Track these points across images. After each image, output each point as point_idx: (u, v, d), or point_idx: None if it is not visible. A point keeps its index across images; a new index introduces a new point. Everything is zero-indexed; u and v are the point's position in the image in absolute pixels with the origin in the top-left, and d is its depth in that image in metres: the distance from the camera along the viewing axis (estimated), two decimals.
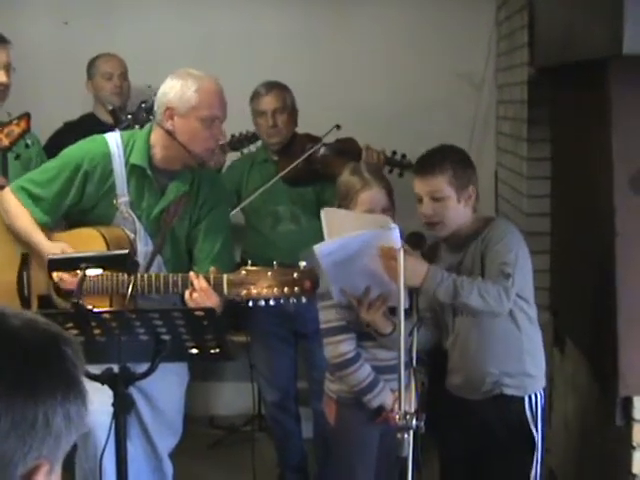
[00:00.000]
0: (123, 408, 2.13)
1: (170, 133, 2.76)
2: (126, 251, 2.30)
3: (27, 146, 3.08)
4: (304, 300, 2.49)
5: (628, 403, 2.87)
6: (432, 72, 4.69)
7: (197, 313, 2.05)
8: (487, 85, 4.72)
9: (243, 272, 2.50)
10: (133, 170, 2.81)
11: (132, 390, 2.87)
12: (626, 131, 2.74)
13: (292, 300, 2.47)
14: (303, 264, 2.49)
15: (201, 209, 2.85)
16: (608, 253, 2.87)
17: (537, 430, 2.81)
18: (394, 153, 4.03)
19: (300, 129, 4.01)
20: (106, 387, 2.69)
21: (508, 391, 2.81)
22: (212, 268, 2.59)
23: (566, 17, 3.20)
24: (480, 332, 2.79)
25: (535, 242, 3.95)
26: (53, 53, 4.70)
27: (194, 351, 2.16)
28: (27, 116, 3.03)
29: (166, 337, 2.10)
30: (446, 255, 2.84)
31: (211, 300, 2.53)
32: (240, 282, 2.48)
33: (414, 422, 2.40)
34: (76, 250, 2.64)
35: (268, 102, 3.84)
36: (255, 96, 3.89)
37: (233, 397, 4.70)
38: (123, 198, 2.79)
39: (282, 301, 2.47)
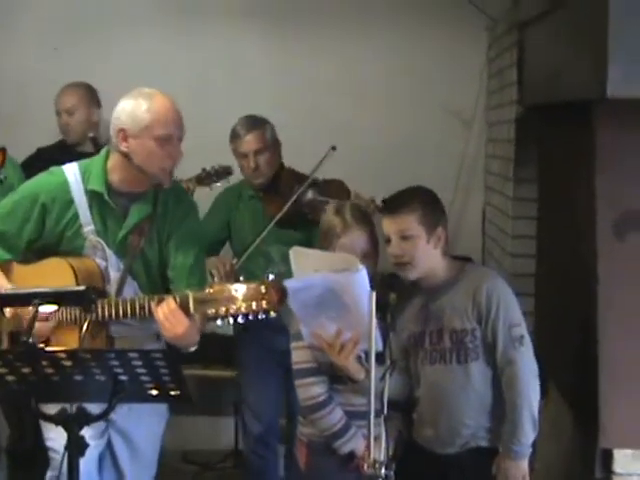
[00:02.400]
0: (77, 450, 2.03)
1: (125, 155, 2.69)
2: (82, 287, 2.22)
3: (0, 181, 3.01)
4: (273, 314, 2.41)
5: (608, 456, 2.78)
6: (422, 108, 4.65)
7: (154, 354, 1.97)
8: (477, 122, 4.68)
9: (209, 289, 2.42)
10: (93, 197, 2.74)
11: (110, 431, 2.84)
12: (610, 175, 2.67)
13: (261, 315, 2.39)
14: (271, 277, 2.41)
15: (170, 227, 2.78)
16: (590, 300, 2.79)
17: None
18: (384, 202, 3.96)
19: (286, 159, 3.96)
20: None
21: (484, 444, 2.72)
22: (188, 291, 2.52)
23: (554, 56, 3.15)
24: (456, 382, 2.71)
25: (520, 284, 3.87)
26: (43, 78, 4.64)
27: (154, 392, 2.07)
28: (1, 150, 2.96)
29: (124, 377, 2.01)
30: (418, 299, 2.76)
31: (181, 323, 2.46)
32: (206, 300, 2.41)
33: (383, 471, 2.33)
34: (43, 282, 2.57)
35: (248, 144, 3.75)
36: (234, 137, 3.80)
37: (209, 432, 4.61)
38: (89, 227, 2.73)
39: (251, 317, 2.39)
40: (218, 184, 3.93)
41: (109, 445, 2.85)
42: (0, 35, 4.69)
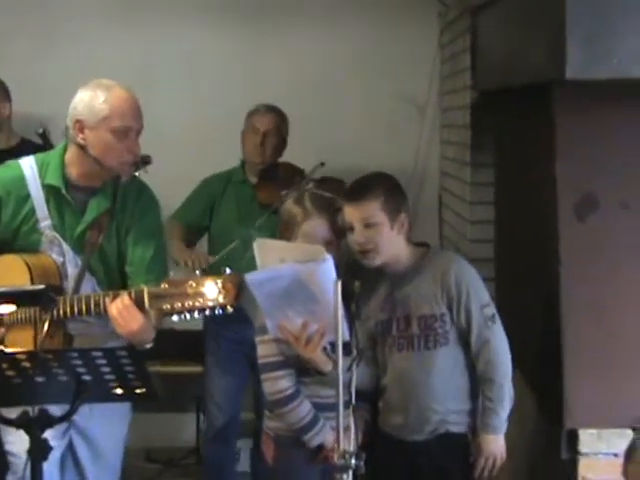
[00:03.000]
0: (39, 454, 1.97)
1: (82, 147, 2.62)
2: (41, 287, 2.16)
3: None
4: (230, 310, 2.36)
5: (573, 436, 2.79)
6: (375, 94, 4.63)
7: (118, 352, 1.92)
8: (431, 108, 4.67)
9: (164, 284, 2.37)
10: (50, 191, 2.67)
11: (72, 432, 2.77)
12: (570, 157, 2.68)
13: (217, 311, 2.34)
14: (228, 271, 2.36)
15: (129, 221, 2.72)
16: (552, 283, 2.80)
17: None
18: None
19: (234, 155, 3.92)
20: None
21: (453, 429, 2.73)
22: (142, 285, 2.46)
23: (508, 40, 3.15)
24: (424, 368, 2.70)
25: (479, 269, 3.87)
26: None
27: (118, 391, 2.02)
28: None
29: (87, 377, 1.95)
30: (383, 287, 2.74)
31: (135, 319, 2.41)
32: (162, 295, 2.36)
33: (353, 461, 2.31)
34: None
35: (263, 122, 3.85)
36: (253, 112, 3.90)
37: (171, 429, 4.56)
38: (45, 222, 2.66)
39: (207, 313, 2.34)
40: (136, 173, 3.87)
41: (71, 446, 2.78)
42: None
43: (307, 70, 4.62)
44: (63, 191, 2.65)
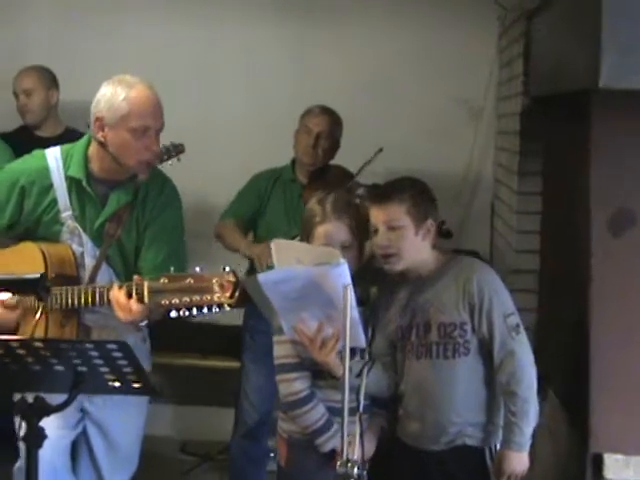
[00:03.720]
0: (35, 442, 1.98)
1: (102, 144, 2.63)
2: (37, 275, 2.17)
3: None
4: (227, 309, 2.33)
5: (599, 461, 2.68)
6: (430, 97, 4.55)
7: (109, 346, 1.91)
8: (487, 114, 4.57)
9: (164, 279, 2.36)
10: (72, 183, 2.69)
11: (87, 422, 2.80)
12: (605, 171, 2.58)
13: (214, 309, 2.32)
14: (227, 269, 2.33)
15: (148, 216, 2.72)
16: (583, 300, 2.70)
17: None
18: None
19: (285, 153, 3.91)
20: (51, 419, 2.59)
21: (470, 442, 2.65)
22: (136, 276, 2.46)
23: (556, 46, 3.05)
24: (443, 378, 2.63)
25: (523, 280, 3.79)
26: (50, 64, 4.56)
27: (116, 384, 2.02)
28: None
29: (83, 369, 1.96)
30: (405, 292, 2.68)
31: (132, 312, 2.40)
32: (160, 290, 2.34)
33: (355, 471, 2.26)
34: (16, 266, 2.53)
35: (317, 123, 3.84)
36: (307, 112, 3.89)
37: (209, 423, 4.56)
38: (67, 212, 2.68)
39: (205, 311, 2.32)
40: (169, 162, 3.89)
41: (85, 437, 2.80)
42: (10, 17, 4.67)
43: (362, 70, 4.57)
44: (84, 183, 2.67)
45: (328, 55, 4.60)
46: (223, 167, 4.44)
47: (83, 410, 2.77)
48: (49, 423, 2.60)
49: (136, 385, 2.04)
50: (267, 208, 3.81)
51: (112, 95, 2.61)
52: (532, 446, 2.70)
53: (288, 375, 2.66)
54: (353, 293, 2.39)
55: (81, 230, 2.67)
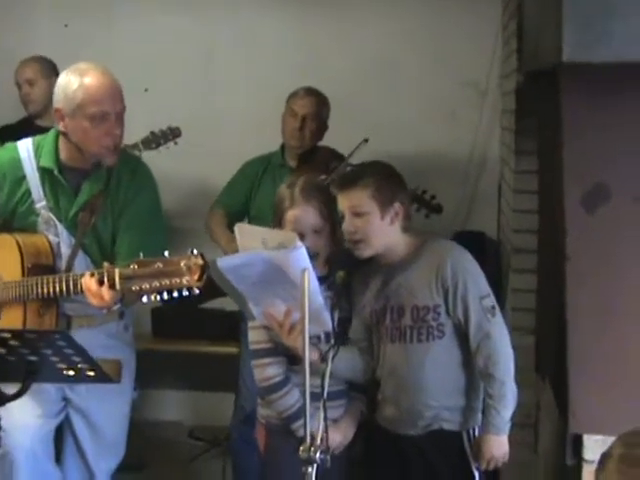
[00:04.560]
0: None
1: (65, 134, 2.64)
2: None
3: None
4: (196, 292, 2.33)
5: (578, 442, 2.64)
6: (434, 77, 4.50)
7: (51, 336, 1.93)
8: (491, 93, 4.50)
9: (134, 265, 2.37)
10: (44, 173, 2.72)
11: (70, 410, 2.84)
12: (578, 145, 2.51)
13: (184, 292, 2.32)
14: (194, 252, 2.33)
15: (122, 202, 2.73)
16: (562, 279, 2.64)
17: (475, 466, 2.63)
18: (424, 192, 3.92)
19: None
20: (29, 405, 2.63)
21: (447, 426, 2.63)
22: (105, 263, 2.47)
23: (537, 21, 2.99)
24: (417, 362, 2.61)
25: (521, 260, 3.74)
26: (53, 54, 4.66)
27: (71, 373, 2.04)
28: None
29: (32, 358, 1.98)
30: (379, 276, 2.66)
31: (104, 299, 2.42)
32: (131, 276, 2.35)
33: (317, 455, 2.26)
34: None
35: (302, 105, 3.84)
36: (293, 95, 3.89)
37: (215, 408, 4.58)
38: (41, 202, 2.71)
39: (175, 295, 2.32)
40: (165, 146, 3.91)
41: (69, 425, 2.84)
42: (12, 13, 4.72)
43: (365, 53, 4.55)
44: (56, 173, 2.69)
45: (330, 38, 4.58)
46: (225, 152, 4.44)
47: (65, 398, 2.80)
48: (29, 411, 2.67)
49: (90, 373, 2.05)
50: (258, 194, 3.81)
51: (66, 85, 2.63)
52: (512, 428, 2.68)
53: (262, 360, 2.67)
54: (314, 277, 2.39)
55: (56, 220, 2.70)
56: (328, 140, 3.96)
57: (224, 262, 2.36)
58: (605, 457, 2.05)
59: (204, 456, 4.38)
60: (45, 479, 2.78)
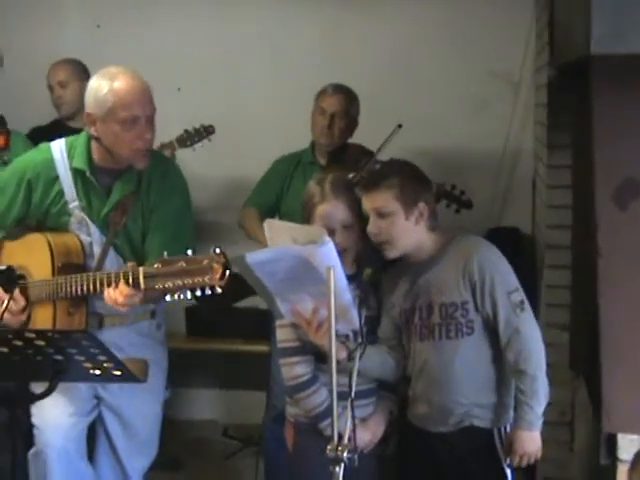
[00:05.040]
0: (17, 430, 2.03)
1: (96, 138, 2.66)
2: (3, 267, 2.20)
3: (4, 163, 3.04)
4: (218, 290, 2.32)
5: (613, 441, 2.59)
6: (466, 70, 4.44)
7: (75, 335, 1.93)
8: (524, 86, 4.44)
9: (158, 264, 2.37)
10: (77, 174, 2.74)
11: (102, 409, 2.86)
12: (608, 139, 2.47)
13: (207, 291, 2.31)
14: (217, 250, 2.32)
15: (153, 203, 2.74)
16: (594, 275, 2.60)
17: (507, 463, 2.60)
18: (453, 187, 3.90)
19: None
20: (61, 403, 2.65)
21: (477, 423, 2.60)
22: (130, 263, 2.48)
23: (567, 14, 2.94)
24: (447, 359, 2.59)
25: (555, 256, 3.68)
26: (86, 55, 4.69)
27: (97, 372, 2.04)
28: (5, 133, 2.99)
29: (58, 357, 1.98)
30: (407, 275, 2.64)
31: (135, 299, 2.43)
32: (155, 275, 2.35)
33: (345, 455, 2.24)
34: (24, 258, 2.59)
35: (331, 103, 3.83)
36: (321, 93, 3.88)
37: (250, 407, 4.58)
38: (74, 203, 2.73)
39: (198, 293, 2.32)
40: (200, 144, 3.91)
41: (102, 424, 2.85)
42: (44, 13, 4.76)
43: (395, 47, 4.50)
44: (88, 174, 2.72)
45: (359, 33, 4.54)
46: (255, 149, 4.45)
47: (98, 397, 2.82)
48: (61, 410, 2.69)
49: (116, 373, 2.05)
50: (289, 192, 3.80)
51: (97, 90, 2.65)
52: (544, 425, 2.64)
53: (290, 359, 2.66)
54: (342, 274, 2.38)
55: (88, 220, 2.72)
56: (358, 137, 3.93)
57: (252, 257, 2.34)
58: (638, 457, 2.02)
59: (238, 454, 4.38)
60: (78, 477, 2.79)
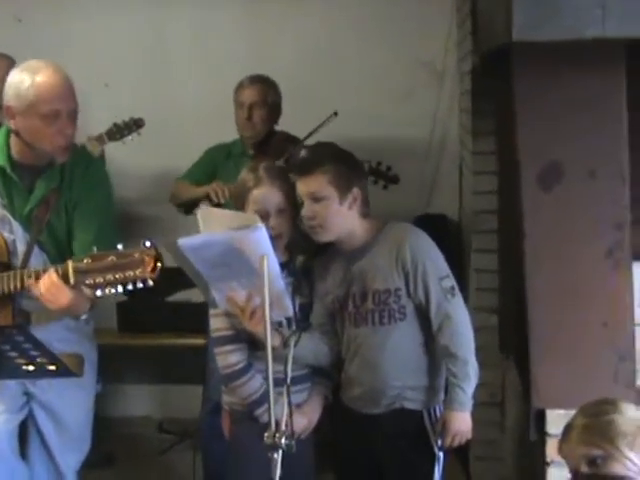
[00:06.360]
0: None
1: (16, 132, 2.62)
2: None
3: None
4: (150, 283, 2.32)
5: (541, 416, 2.67)
6: (393, 62, 4.48)
7: (8, 330, 1.91)
8: (449, 75, 4.51)
9: (88, 259, 2.34)
10: None
11: (33, 405, 2.81)
12: (530, 124, 2.54)
13: (139, 284, 2.30)
14: (147, 243, 2.32)
15: (76, 197, 2.71)
16: (520, 256, 2.67)
17: (438, 444, 2.65)
18: (379, 164, 3.94)
19: None
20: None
21: (409, 405, 2.66)
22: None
23: (489, 3, 3.00)
24: (380, 344, 2.63)
25: (483, 240, 3.77)
26: (7, 51, 4.60)
27: (30, 368, 2.02)
28: None
29: None
30: (341, 263, 2.67)
31: (64, 294, 2.40)
32: (85, 270, 2.33)
33: (283, 441, 2.27)
34: None
35: (247, 95, 3.82)
36: (238, 87, 3.87)
37: (185, 401, 4.57)
38: None
39: (130, 287, 2.31)
40: (129, 137, 3.90)
41: (33, 420, 2.82)
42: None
43: (318, 37, 4.52)
44: (8, 171, 2.67)
45: (285, 22, 4.55)
46: (184, 142, 4.43)
47: (27, 393, 2.78)
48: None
49: (51, 368, 2.03)
50: (222, 179, 3.80)
51: (18, 83, 2.60)
52: (474, 406, 2.71)
53: (224, 347, 2.67)
54: (275, 261, 2.39)
55: (10, 217, 2.67)
56: (284, 125, 3.94)
57: (184, 242, 2.34)
58: (568, 428, 2.09)
59: (174, 449, 4.36)
60: (12, 476, 2.75)
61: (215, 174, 3.85)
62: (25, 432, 2.86)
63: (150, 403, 4.74)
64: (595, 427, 2.00)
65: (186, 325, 4.43)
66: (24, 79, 2.59)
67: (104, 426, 4.32)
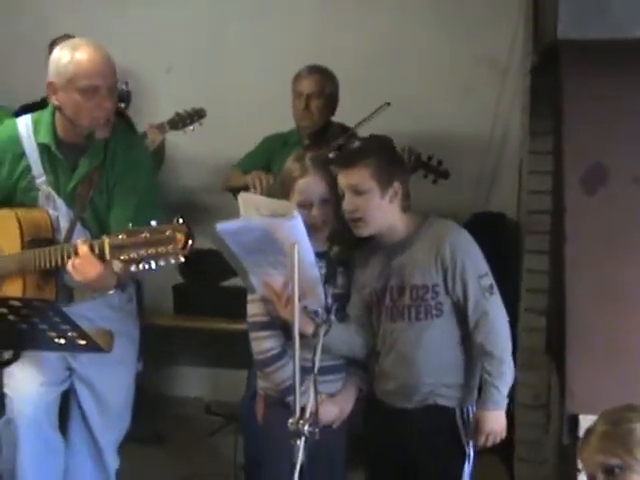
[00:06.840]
0: None
1: (59, 108, 2.70)
2: None
3: None
4: (181, 259, 2.34)
5: (574, 421, 2.64)
6: (453, 56, 4.44)
7: (37, 303, 1.97)
8: (513, 72, 4.45)
9: (122, 234, 2.39)
10: (43, 149, 2.77)
11: (75, 380, 2.87)
12: (576, 125, 2.50)
13: (171, 260, 2.33)
14: (180, 221, 2.34)
15: (116, 175, 2.77)
16: (561, 259, 2.64)
17: (468, 442, 2.64)
18: (429, 158, 3.93)
19: None
20: (32, 373, 2.69)
21: (442, 401, 2.65)
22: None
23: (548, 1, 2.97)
24: (415, 340, 2.63)
25: (535, 241, 3.72)
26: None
27: (62, 341, 2.08)
28: None
29: (23, 326, 2.02)
30: (380, 256, 2.67)
31: (94, 267, 2.45)
32: (120, 245, 2.37)
33: (306, 428, 2.29)
34: None
35: (305, 85, 3.86)
36: (296, 77, 3.91)
37: (233, 384, 4.64)
38: (41, 178, 2.76)
39: (162, 263, 2.34)
40: (191, 127, 3.95)
41: (75, 394, 2.88)
42: None
43: (382, 29, 4.50)
44: (53, 148, 2.75)
45: (348, 16, 4.55)
46: (244, 129, 4.46)
47: (69, 368, 2.85)
48: (31, 380, 2.72)
49: (81, 342, 2.09)
50: (273, 170, 3.83)
51: (58, 59, 2.68)
52: (518, 407, 2.68)
53: (259, 333, 2.70)
54: (310, 250, 2.41)
55: (55, 194, 2.75)
56: (342, 117, 3.95)
57: (222, 227, 2.36)
58: (589, 432, 2.07)
59: (221, 431, 4.43)
60: (48, 447, 2.82)
61: (270, 163, 3.89)
62: (67, 407, 2.93)
63: (201, 385, 4.81)
64: (615, 435, 1.97)
65: (239, 310, 4.46)
66: (64, 55, 2.68)
67: (156, 404, 4.44)
